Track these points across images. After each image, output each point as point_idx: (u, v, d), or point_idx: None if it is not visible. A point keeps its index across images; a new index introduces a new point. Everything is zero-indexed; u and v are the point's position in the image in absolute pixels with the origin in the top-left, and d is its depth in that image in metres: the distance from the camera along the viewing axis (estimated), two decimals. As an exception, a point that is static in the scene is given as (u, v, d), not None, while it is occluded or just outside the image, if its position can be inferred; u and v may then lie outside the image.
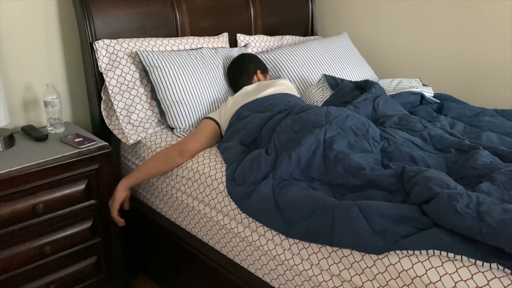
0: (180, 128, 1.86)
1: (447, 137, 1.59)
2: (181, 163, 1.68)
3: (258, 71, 2.04)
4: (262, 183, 1.38)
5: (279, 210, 1.30)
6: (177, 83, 1.88)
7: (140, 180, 1.76)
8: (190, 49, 2.06)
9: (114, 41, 1.89)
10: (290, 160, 1.42)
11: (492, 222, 1.04)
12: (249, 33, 2.47)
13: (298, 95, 1.98)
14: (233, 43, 2.37)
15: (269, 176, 1.40)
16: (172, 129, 1.88)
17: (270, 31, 2.57)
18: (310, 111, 1.61)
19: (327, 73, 2.29)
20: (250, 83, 2.01)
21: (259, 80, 2.03)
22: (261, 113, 1.71)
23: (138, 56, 1.89)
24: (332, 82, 2.07)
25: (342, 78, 2.16)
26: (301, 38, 2.66)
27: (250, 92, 1.86)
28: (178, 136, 1.84)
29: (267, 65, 2.29)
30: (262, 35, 2.48)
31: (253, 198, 1.36)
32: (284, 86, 1.89)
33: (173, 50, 2.01)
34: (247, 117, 1.70)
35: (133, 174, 1.74)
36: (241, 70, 2.03)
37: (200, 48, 2.09)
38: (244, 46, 2.35)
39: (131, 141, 1.83)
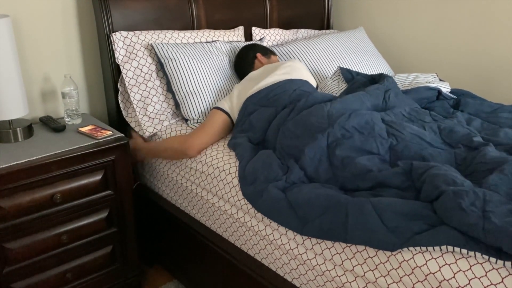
0: (194, 119, 1.87)
1: (457, 130, 1.56)
2: (191, 157, 1.71)
3: (258, 55, 2.01)
4: (272, 184, 1.38)
5: (292, 209, 1.30)
6: (191, 75, 1.89)
7: (151, 157, 1.90)
8: (205, 42, 2.07)
9: (131, 33, 1.91)
10: (298, 169, 1.41)
11: (495, 221, 1.03)
12: (264, 26, 2.46)
13: (307, 74, 1.92)
14: (248, 36, 2.37)
15: (281, 178, 1.40)
16: (186, 120, 1.89)
17: (286, 25, 2.56)
18: (311, 110, 1.55)
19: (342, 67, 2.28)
20: (253, 68, 1.99)
21: (262, 64, 2.00)
22: (266, 107, 1.68)
23: (154, 48, 1.90)
24: (347, 75, 2.06)
25: (358, 71, 2.14)
26: (316, 31, 2.65)
27: (255, 78, 1.83)
28: (192, 128, 1.85)
29: (281, 58, 2.28)
30: (277, 29, 2.47)
31: (265, 198, 1.37)
32: (290, 68, 1.84)
33: (188, 43, 2.02)
34: (253, 113, 1.68)
35: (149, 150, 1.85)
36: (241, 59, 2.03)
37: (214, 41, 2.10)
38: (260, 40, 2.34)
39: (147, 134, 1.85)
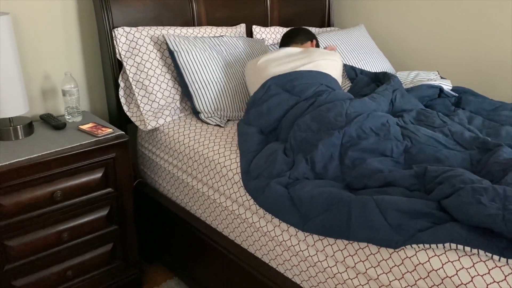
0: (206, 112, 1.87)
1: (467, 135, 1.56)
2: None
3: (314, 41, 1.98)
4: (275, 180, 1.37)
5: (294, 205, 1.30)
6: (204, 66, 1.89)
7: None
8: (213, 37, 2.07)
9: (134, 29, 1.90)
10: (306, 163, 1.40)
11: None
12: (265, 24, 2.46)
13: (340, 74, 1.89)
14: (249, 34, 2.37)
15: (284, 174, 1.39)
16: (198, 113, 1.87)
17: (286, 23, 2.56)
18: (330, 107, 1.55)
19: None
20: (300, 44, 1.96)
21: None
22: (290, 94, 1.67)
23: (165, 39, 1.89)
24: (351, 72, 2.06)
25: (362, 69, 2.13)
26: (317, 29, 2.64)
27: (290, 56, 1.80)
28: (204, 121, 1.84)
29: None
30: (278, 27, 2.47)
31: (267, 194, 1.36)
32: (328, 62, 1.82)
33: (197, 37, 2.03)
34: (273, 96, 1.66)
35: None
36: (298, 30, 2.00)
37: (221, 36, 2.10)
38: (262, 39, 2.34)
39: (149, 127, 1.83)
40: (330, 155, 1.41)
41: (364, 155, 1.39)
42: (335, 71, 1.84)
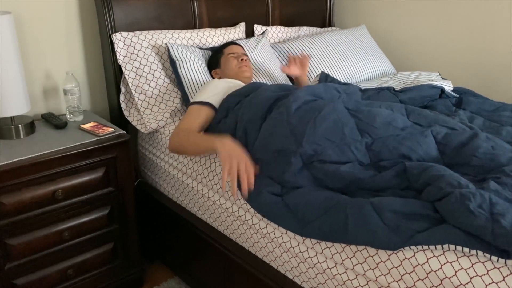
0: None
1: (425, 114, 1.51)
2: None
3: (213, 72, 1.93)
4: (267, 189, 1.37)
5: (290, 211, 1.30)
6: (205, 78, 1.90)
7: None
8: (213, 49, 2.08)
9: (131, 33, 1.91)
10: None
11: (506, 224, 1.02)
12: (266, 23, 2.46)
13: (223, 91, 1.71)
14: (250, 33, 2.37)
15: (275, 184, 1.39)
16: None
17: (287, 22, 2.56)
18: (270, 129, 1.44)
19: (344, 65, 2.28)
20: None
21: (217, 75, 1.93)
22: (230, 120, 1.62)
23: (168, 47, 1.91)
24: (323, 79, 1.99)
25: (334, 77, 2.02)
26: (318, 29, 2.65)
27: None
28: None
29: (283, 55, 2.27)
30: (279, 26, 2.47)
31: (260, 201, 1.36)
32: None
33: (199, 47, 2.04)
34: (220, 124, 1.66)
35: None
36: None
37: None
38: (261, 33, 2.34)
39: (149, 130, 1.84)
40: (301, 177, 1.36)
41: (332, 167, 1.33)
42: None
